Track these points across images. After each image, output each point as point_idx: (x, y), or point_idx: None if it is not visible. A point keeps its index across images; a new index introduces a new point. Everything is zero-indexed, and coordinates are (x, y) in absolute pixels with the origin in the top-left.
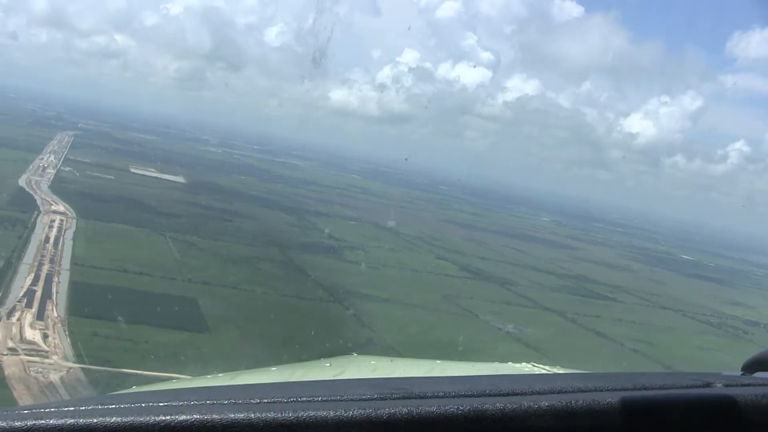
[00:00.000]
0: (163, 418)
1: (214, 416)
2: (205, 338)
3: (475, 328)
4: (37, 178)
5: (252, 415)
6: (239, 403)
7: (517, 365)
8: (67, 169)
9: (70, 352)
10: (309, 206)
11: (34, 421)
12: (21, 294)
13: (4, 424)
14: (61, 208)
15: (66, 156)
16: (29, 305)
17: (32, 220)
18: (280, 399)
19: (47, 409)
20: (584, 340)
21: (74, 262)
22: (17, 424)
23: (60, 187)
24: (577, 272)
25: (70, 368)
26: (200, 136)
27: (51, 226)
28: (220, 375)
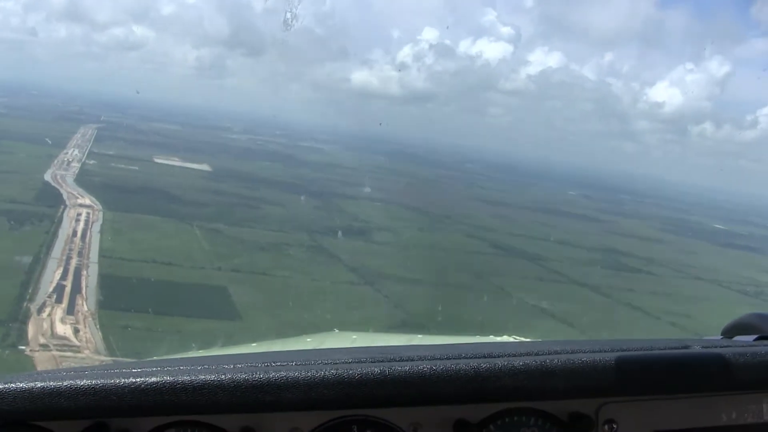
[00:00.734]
0: (133, 380)
1: (185, 378)
2: (236, 326)
3: (508, 306)
4: (62, 172)
5: (223, 376)
6: (211, 367)
7: (498, 338)
8: (91, 162)
9: (101, 346)
10: (335, 189)
11: (4, 385)
12: (50, 289)
13: None
14: (87, 201)
15: (90, 149)
16: (59, 300)
17: (59, 214)
18: (253, 364)
19: (19, 374)
20: (619, 314)
21: (102, 255)
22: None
23: (85, 180)
24: (607, 245)
25: (102, 362)
26: (223, 124)
27: (78, 220)
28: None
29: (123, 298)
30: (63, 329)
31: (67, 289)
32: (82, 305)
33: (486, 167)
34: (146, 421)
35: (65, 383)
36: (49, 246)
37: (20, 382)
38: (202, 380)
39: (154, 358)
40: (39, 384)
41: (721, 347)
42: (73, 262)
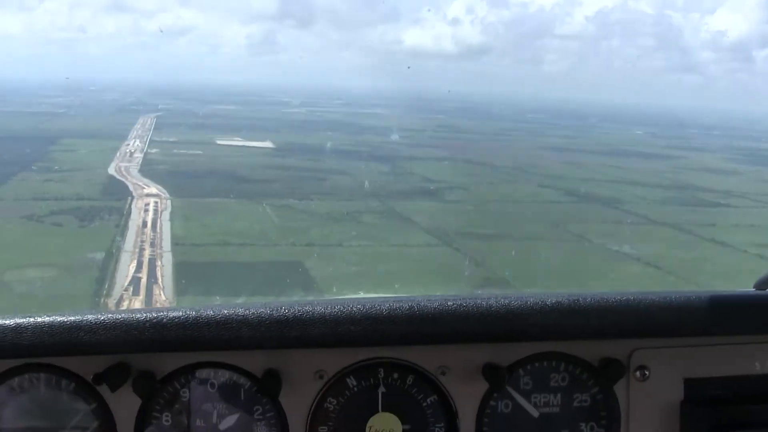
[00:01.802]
0: (156, 315)
1: (208, 313)
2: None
3: (591, 253)
4: (125, 164)
5: (246, 311)
6: (236, 306)
7: None
8: (153, 151)
9: None
10: (400, 152)
11: (24, 319)
12: (126, 283)
13: None
14: (154, 191)
15: (151, 138)
16: (136, 293)
17: (127, 206)
18: (281, 303)
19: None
20: (704, 251)
21: (175, 243)
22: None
23: (149, 169)
24: (682, 182)
25: None
26: (281, 99)
27: (146, 210)
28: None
29: (200, 283)
30: None
31: (143, 281)
32: (160, 295)
33: (548, 116)
34: (169, 362)
35: (86, 318)
36: (121, 239)
37: (40, 317)
38: (225, 315)
39: None
40: (59, 318)
41: (756, 294)
42: (146, 253)
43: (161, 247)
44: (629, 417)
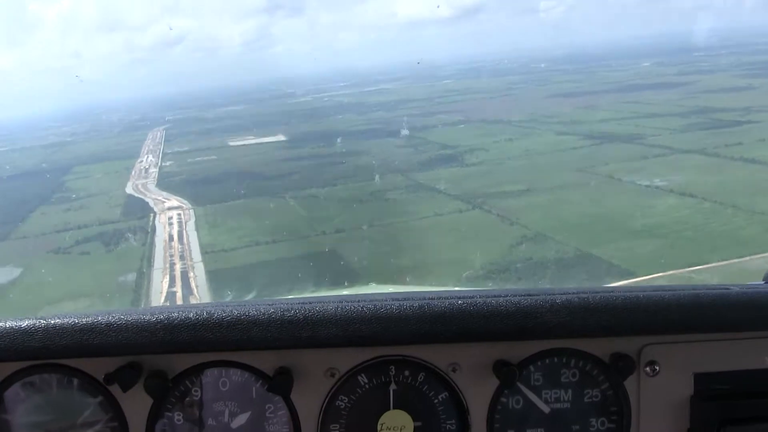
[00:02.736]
0: (166, 316)
1: (218, 314)
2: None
3: (623, 192)
4: (142, 180)
5: (257, 312)
6: (247, 305)
7: None
8: (168, 163)
9: None
10: (414, 124)
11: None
12: (162, 300)
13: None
14: (175, 203)
15: (163, 151)
16: None
17: (150, 223)
18: (292, 302)
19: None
20: (736, 172)
21: (204, 252)
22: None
23: (167, 182)
24: (699, 106)
25: None
26: (285, 91)
27: (170, 223)
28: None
29: (236, 288)
30: None
31: (178, 294)
32: None
33: (553, 63)
34: (180, 361)
35: (97, 319)
36: (150, 257)
37: (50, 320)
38: (236, 316)
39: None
40: (69, 320)
41: (765, 290)
42: (177, 266)
43: (191, 259)
44: (639, 412)
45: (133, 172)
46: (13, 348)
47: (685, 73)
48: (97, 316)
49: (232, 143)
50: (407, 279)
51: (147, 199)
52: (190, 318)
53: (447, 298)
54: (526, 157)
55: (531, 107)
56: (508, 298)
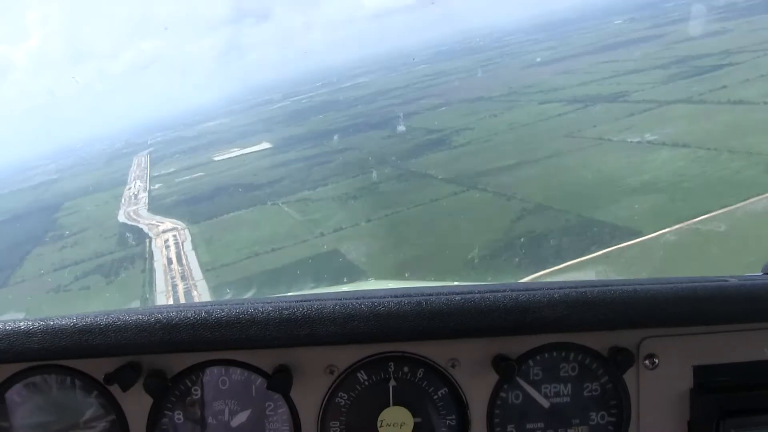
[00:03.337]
0: (165, 316)
1: (217, 313)
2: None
3: (615, 152)
4: (133, 207)
5: (255, 311)
6: (245, 304)
7: None
8: (156, 186)
9: None
10: (396, 113)
11: (32, 323)
12: None
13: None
14: (169, 225)
15: (150, 175)
16: None
17: (147, 248)
18: (291, 300)
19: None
20: (725, 115)
21: (205, 269)
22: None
23: (158, 205)
24: (678, 55)
25: None
26: (262, 98)
27: (167, 246)
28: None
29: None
30: None
31: None
32: None
33: (525, 33)
34: (179, 360)
35: (96, 320)
36: (151, 282)
37: (50, 321)
38: (234, 315)
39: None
40: (69, 321)
41: (763, 281)
42: (180, 288)
43: (193, 278)
44: (639, 405)
45: (123, 200)
46: (13, 350)
47: (658, 25)
48: (97, 316)
49: (217, 158)
50: (406, 274)
51: (141, 225)
52: (189, 317)
53: (445, 294)
54: (513, 130)
55: (509, 81)
56: (506, 293)
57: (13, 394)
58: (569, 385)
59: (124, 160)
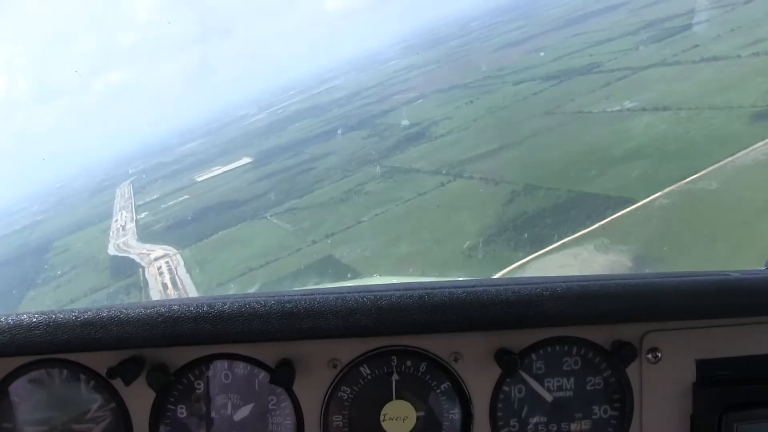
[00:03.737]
0: (167, 310)
1: (219, 307)
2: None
3: (597, 123)
4: (122, 239)
5: (257, 304)
6: (248, 298)
7: None
8: (143, 215)
9: None
10: (372, 112)
11: (36, 317)
12: None
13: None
14: (160, 252)
15: (135, 204)
16: None
17: (141, 278)
18: (293, 294)
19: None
20: (701, 73)
21: (202, 290)
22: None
23: (146, 234)
24: (645, 20)
25: None
26: (238, 114)
27: (161, 273)
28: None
29: None
30: None
31: None
32: None
33: (491, 15)
34: (182, 354)
35: (98, 314)
36: None
37: (52, 315)
38: (237, 308)
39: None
40: (71, 315)
41: (765, 276)
42: None
43: None
44: (642, 399)
45: (111, 233)
46: (15, 343)
47: None
48: (99, 310)
49: (199, 178)
50: (410, 270)
51: (132, 256)
52: (192, 311)
53: (447, 288)
54: (491, 114)
55: (481, 64)
56: (508, 286)
57: (16, 388)
58: (572, 379)
59: (106, 192)
